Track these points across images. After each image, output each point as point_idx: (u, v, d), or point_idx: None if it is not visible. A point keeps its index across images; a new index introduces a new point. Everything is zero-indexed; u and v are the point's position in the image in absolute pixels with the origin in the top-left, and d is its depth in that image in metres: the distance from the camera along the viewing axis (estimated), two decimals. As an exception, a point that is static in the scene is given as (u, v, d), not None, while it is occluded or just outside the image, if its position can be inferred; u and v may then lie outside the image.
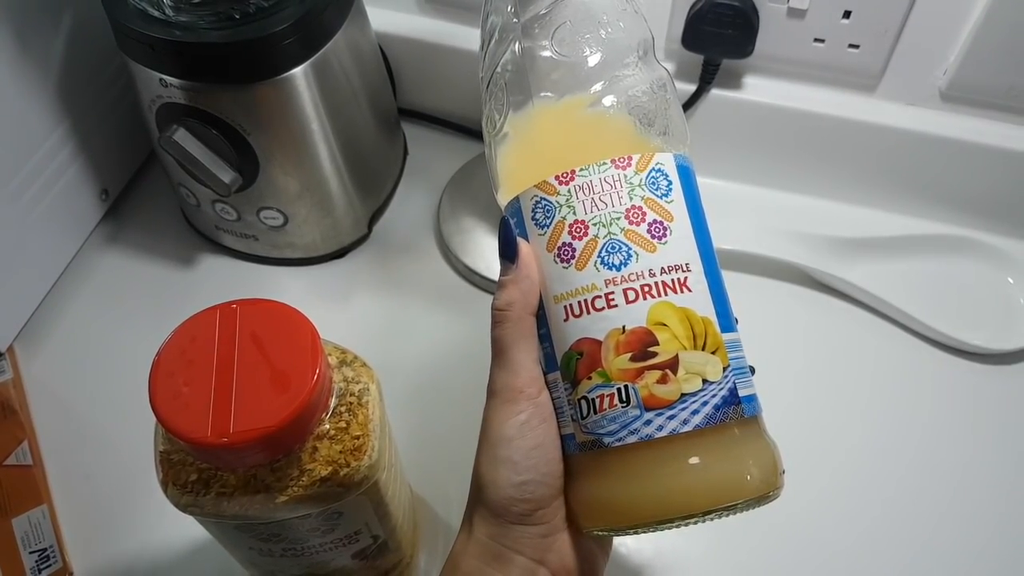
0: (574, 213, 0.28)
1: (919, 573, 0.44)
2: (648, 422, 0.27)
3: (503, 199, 0.32)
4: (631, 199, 0.28)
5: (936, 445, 0.48)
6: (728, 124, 0.58)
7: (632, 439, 0.27)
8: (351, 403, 0.31)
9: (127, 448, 0.48)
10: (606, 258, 0.28)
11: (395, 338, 0.53)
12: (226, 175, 0.48)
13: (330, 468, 0.30)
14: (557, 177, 0.28)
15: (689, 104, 0.58)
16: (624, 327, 0.27)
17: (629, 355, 0.27)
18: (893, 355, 0.52)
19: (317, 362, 0.28)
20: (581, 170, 0.28)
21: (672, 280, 0.27)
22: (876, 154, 0.56)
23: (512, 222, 0.30)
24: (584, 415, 0.28)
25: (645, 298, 0.27)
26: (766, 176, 0.60)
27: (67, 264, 0.55)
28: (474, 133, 0.64)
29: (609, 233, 0.28)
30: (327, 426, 0.30)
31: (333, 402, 0.31)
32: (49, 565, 0.44)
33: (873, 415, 0.49)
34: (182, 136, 0.47)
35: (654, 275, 0.27)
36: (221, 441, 0.27)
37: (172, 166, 0.52)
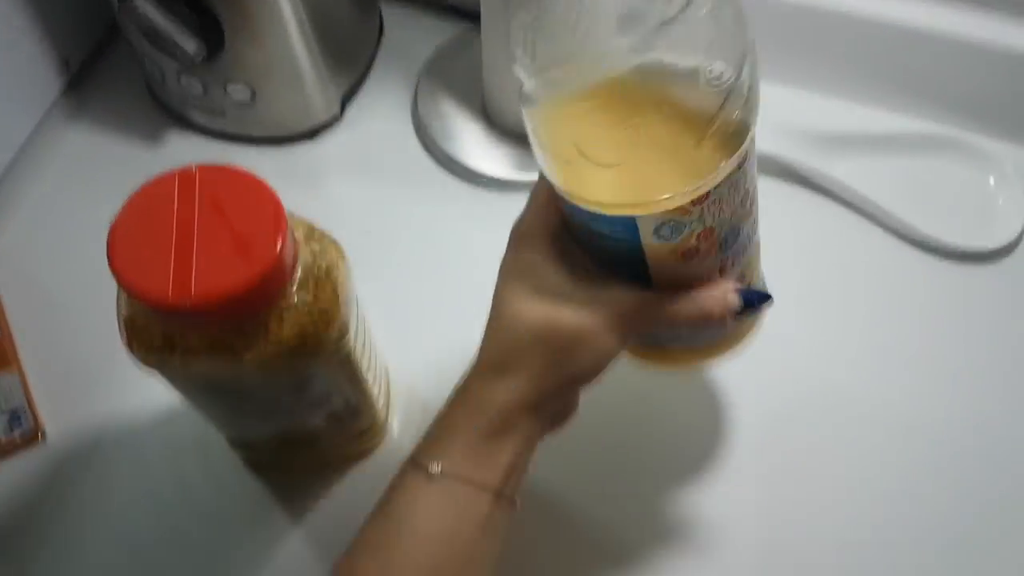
0: (703, 223, 0.29)
1: (894, 462, 0.45)
2: None
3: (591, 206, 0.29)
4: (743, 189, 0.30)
5: (912, 343, 0.49)
6: None
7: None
8: (318, 277, 0.31)
9: (96, 316, 0.48)
10: (724, 245, 0.31)
11: (367, 223, 0.52)
12: (189, 44, 0.46)
13: (297, 335, 0.30)
14: (693, 201, 0.28)
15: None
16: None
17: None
18: (870, 253, 0.52)
19: (280, 228, 0.28)
20: (716, 188, 0.28)
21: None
22: (861, 46, 0.54)
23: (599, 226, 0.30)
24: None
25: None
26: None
27: (27, 136, 0.54)
28: (455, 11, 0.61)
29: (730, 224, 0.30)
30: (294, 298, 0.30)
31: (299, 274, 0.31)
32: (20, 425, 0.45)
33: (849, 313, 0.50)
34: (142, 3, 0.45)
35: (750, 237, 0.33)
36: (182, 303, 0.27)
37: (136, 36, 0.50)
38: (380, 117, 0.58)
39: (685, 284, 0.32)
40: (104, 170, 0.55)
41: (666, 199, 0.28)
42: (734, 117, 0.27)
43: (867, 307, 0.50)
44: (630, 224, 0.29)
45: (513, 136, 0.55)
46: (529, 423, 0.31)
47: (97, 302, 0.49)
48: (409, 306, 0.50)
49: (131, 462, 0.45)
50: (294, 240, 0.30)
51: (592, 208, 0.29)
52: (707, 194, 0.28)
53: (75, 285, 0.50)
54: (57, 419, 0.46)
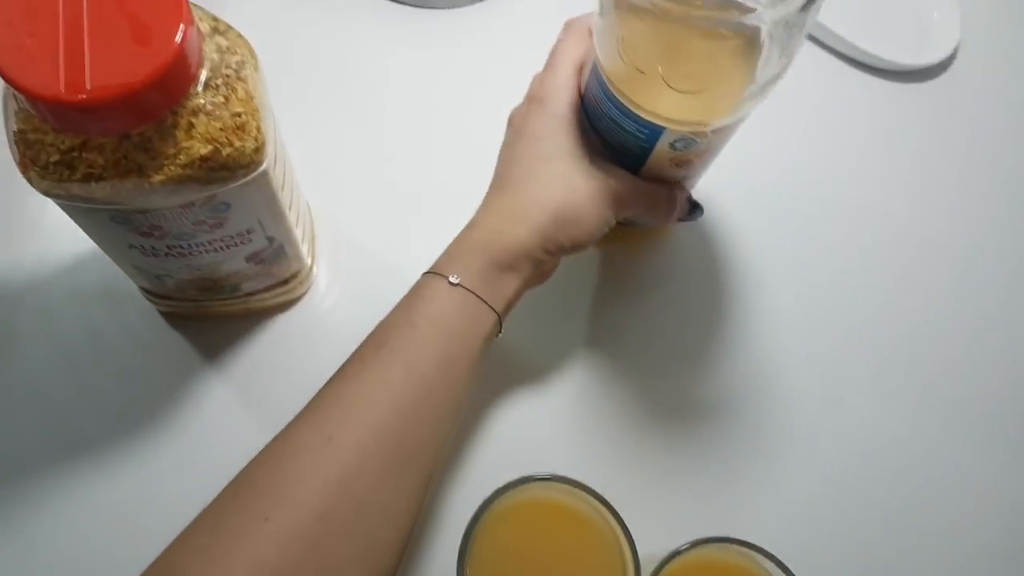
0: (708, 145, 0.34)
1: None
2: None
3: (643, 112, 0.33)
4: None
5: (853, 162, 0.49)
6: None
7: None
8: (227, 76, 0.27)
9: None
10: (705, 163, 0.37)
11: (279, 44, 0.47)
12: None
13: (210, 147, 0.27)
14: (715, 129, 0.33)
15: None
16: None
17: None
18: (814, 74, 0.51)
19: (183, 13, 0.24)
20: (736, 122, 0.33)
21: None
22: None
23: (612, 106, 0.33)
24: None
25: None
26: None
27: None
28: None
29: (718, 148, 0.36)
30: (202, 100, 0.27)
31: (205, 73, 0.27)
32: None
33: (793, 135, 0.49)
34: None
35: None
36: (77, 98, 0.23)
37: None
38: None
39: (659, 181, 0.37)
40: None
41: (705, 126, 0.32)
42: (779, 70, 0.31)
43: (812, 127, 0.50)
44: (657, 131, 0.33)
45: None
46: (528, 269, 0.34)
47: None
48: (328, 137, 0.46)
49: (36, 313, 0.41)
50: (198, 31, 0.26)
51: (634, 110, 0.32)
52: (729, 125, 0.33)
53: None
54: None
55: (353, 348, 0.32)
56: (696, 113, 0.32)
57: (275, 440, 0.30)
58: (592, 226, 0.34)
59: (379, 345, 0.32)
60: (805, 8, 0.28)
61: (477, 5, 0.50)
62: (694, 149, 0.35)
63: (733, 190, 0.47)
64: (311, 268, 0.42)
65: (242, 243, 0.34)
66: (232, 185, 0.29)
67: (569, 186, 0.34)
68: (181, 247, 0.32)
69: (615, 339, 0.44)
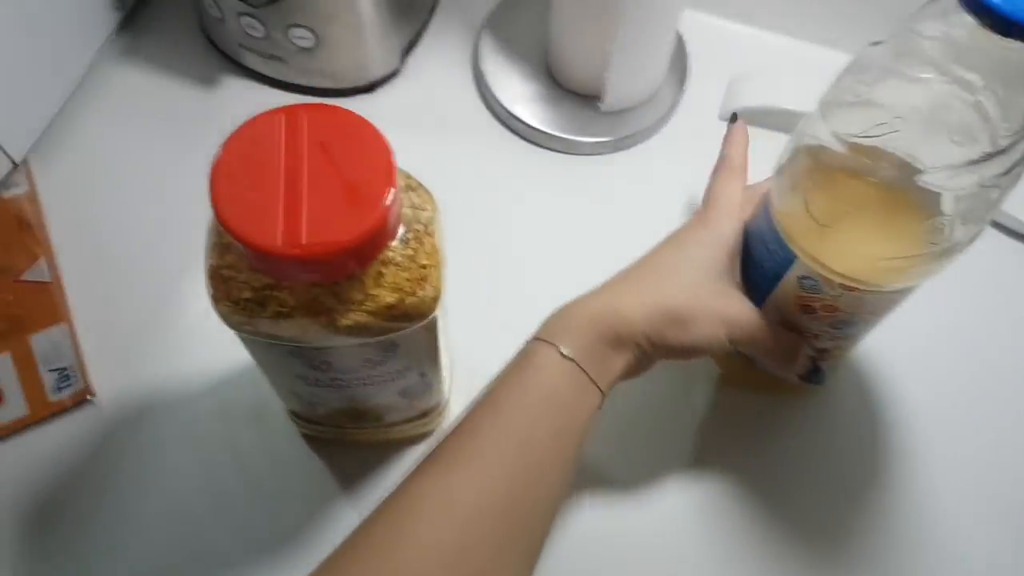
0: (834, 299, 0.35)
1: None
2: None
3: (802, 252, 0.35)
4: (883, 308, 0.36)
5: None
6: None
7: None
8: (418, 231, 0.29)
9: (148, 270, 0.47)
10: (834, 323, 0.37)
11: (426, 182, 0.50)
12: (256, -17, 0.43)
13: (396, 295, 0.28)
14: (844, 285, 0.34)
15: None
16: None
17: None
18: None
19: (392, 177, 0.26)
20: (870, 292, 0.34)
21: None
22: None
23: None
24: None
25: None
26: (845, 36, 0.54)
27: (81, 75, 0.51)
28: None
29: (850, 315, 0.36)
30: (393, 253, 0.28)
31: (401, 229, 0.28)
32: (69, 384, 0.43)
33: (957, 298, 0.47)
34: (209, -65, 0.41)
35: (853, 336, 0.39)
36: (293, 252, 0.25)
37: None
38: (439, 71, 0.55)
39: (784, 324, 0.37)
40: (157, 112, 0.52)
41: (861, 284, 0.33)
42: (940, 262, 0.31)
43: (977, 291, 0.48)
44: (790, 256, 0.35)
45: (575, 95, 0.52)
46: (633, 354, 0.34)
47: (149, 253, 0.47)
48: (467, 274, 0.47)
49: (183, 427, 0.43)
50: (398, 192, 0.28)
51: (785, 239, 0.35)
52: (857, 289, 0.34)
53: (126, 235, 0.48)
54: (107, 379, 0.44)
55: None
56: (860, 272, 0.32)
57: (395, 495, 0.30)
58: (700, 337, 0.35)
59: (494, 410, 0.32)
60: (991, 184, 0.28)
61: (620, 152, 0.52)
62: (818, 295, 0.35)
63: (892, 344, 0.45)
64: (448, 401, 0.43)
65: (398, 379, 0.35)
66: (407, 331, 0.30)
67: (694, 292, 0.35)
68: (343, 380, 0.33)
69: (732, 472, 0.42)
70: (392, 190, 0.26)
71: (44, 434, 0.43)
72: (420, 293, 0.29)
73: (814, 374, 0.40)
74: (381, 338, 0.30)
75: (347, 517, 0.41)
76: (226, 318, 0.29)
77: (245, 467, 0.42)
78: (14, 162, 0.48)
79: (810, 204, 0.32)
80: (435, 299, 0.29)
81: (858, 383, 0.45)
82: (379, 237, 0.26)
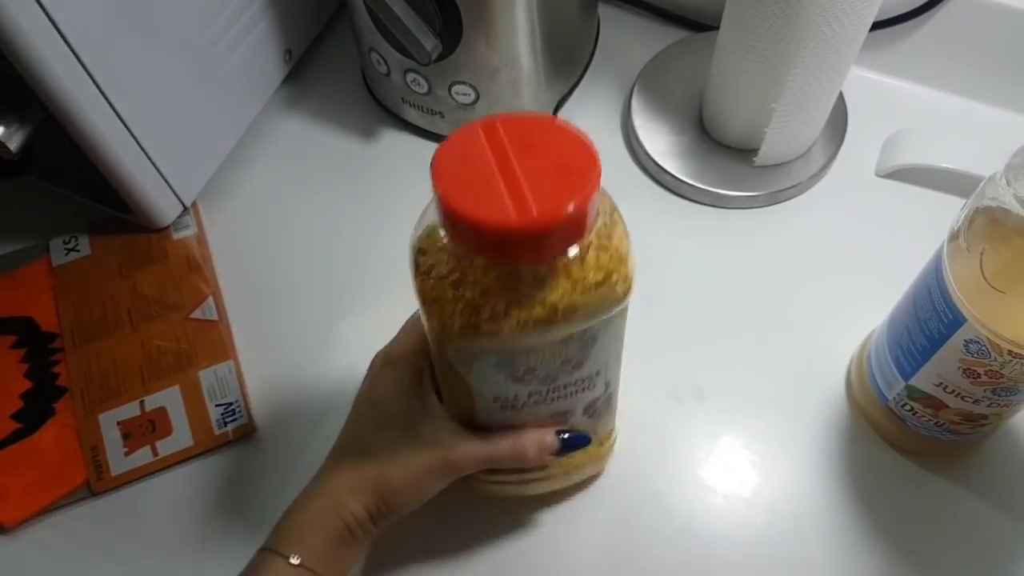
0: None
1: None
2: None
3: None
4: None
5: None
6: (973, 32, 0.51)
7: None
8: (606, 222, 0.30)
9: (309, 310, 0.48)
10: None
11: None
12: (428, 41, 0.45)
13: (601, 274, 0.29)
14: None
15: (932, 4, 0.51)
16: None
17: None
18: None
19: (595, 154, 0.27)
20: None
21: None
22: None
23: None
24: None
25: None
26: (1009, 95, 0.53)
27: (248, 124, 0.54)
28: (673, 17, 0.58)
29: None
30: (593, 236, 0.29)
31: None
32: (235, 419, 0.45)
33: None
34: (389, -5, 0.44)
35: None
36: (528, 222, 0.26)
37: (364, 29, 0.49)
38: (589, 123, 0.55)
39: (946, 387, 0.37)
40: (318, 160, 0.54)
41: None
42: None
43: None
44: (959, 319, 0.34)
45: (728, 148, 0.52)
46: (366, 539, 0.35)
47: (310, 293, 0.49)
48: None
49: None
50: None
51: (955, 303, 0.34)
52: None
53: (289, 276, 0.50)
54: (268, 413, 0.45)
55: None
56: None
57: None
58: (414, 497, 0.35)
59: None
60: None
61: (773, 207, 0.51)
62: (987, 360, 0.33)
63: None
64: (616, 432, 0.42)
65: (588, 388, 0.35)
66: (611, 314, 0.30)
67: (395, 458, 0.35)
68: (540, 394, 0.34)
69: (878, 536, 0.41)
70: (598, 164, 0.27)
71: (208, 465, 0.44)
72: (623, 270, 0.29)
73: (569, 445, 0.37)
74: (586, 326, 0.30)
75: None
76: (446, 340, 0.30)
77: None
78: (184, 205, 0.51)
79: (986, 268, 0.32)
80: (630, 280, 0.30)
81: (1012, 449, 0.43)
82: (592, 209, 0.27)
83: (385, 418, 0.35)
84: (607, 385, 0.36)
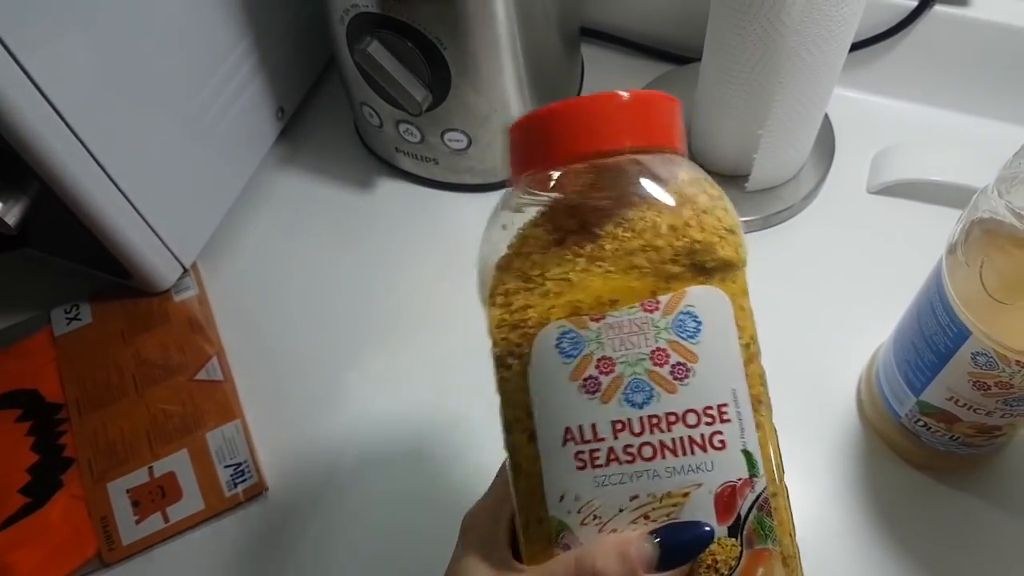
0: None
1: None
2: None
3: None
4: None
5: None
6: (950, 47, 0.52)
7: None
8: (700, 196, 0.26)
9: (314, 365, 0.48)
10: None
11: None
12: (418, 92, 0.46)
13: (701, 228, 0.25)
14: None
15: (908, 22, 0.52)
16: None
17: None
18: None
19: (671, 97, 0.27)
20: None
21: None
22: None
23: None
24: None
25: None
26: (991, 106, 0.53)
27: (244, 183, 0.54)
28: (654, 52, 0.59)
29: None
30: (691, 189, 0.25)
31: (687, 173, 0.26)
32: (245, 479, 0.44)
33: None
34: (376, 49, 0.45)
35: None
36: (619, 99, 0.25)
37: (355, 84, 0.50)
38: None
39: (955, 401, 0.36)
40: (315, 214, 0.55)
41: None
42: None
43: None
44: (964, 333, 0.34)
45: (720, 176, 0.52)
46: None
47: (314, 348, 0.49)
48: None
49: (352, 517, 0.43)
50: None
51: (959, 317, 0.34)
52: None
53: (292, 331, 0.50)
54: (278, 471, 0.45)
55: None
56: None
57: None
58: None
59: None
60: None
61: (766, 231, 0.52)
62: (995, 372, 0.33)
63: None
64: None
65: (709, 446, 0.24)
66: (709, 284, 0.25)
67: None
68: (630, 426, 0.24)
69: (894, 549, 0.40)
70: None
71: (220, 528, 0.43)
72: (731, 238, 0.25)
73: (670, 545, 0.24)
74: (687, 305, 0.24)
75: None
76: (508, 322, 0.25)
77: (413, 555, 0.41)
78: (184, 267, 0.51)
79: (986, 280, 0.32)
80: (740, 248, 0.25)
81: None
82: (675, 126, 0.26)
83: None
84: (749, 456, 0.24)
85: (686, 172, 0.26)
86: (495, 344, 0.26)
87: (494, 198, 0.53)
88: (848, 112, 0.55)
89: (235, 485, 0.44)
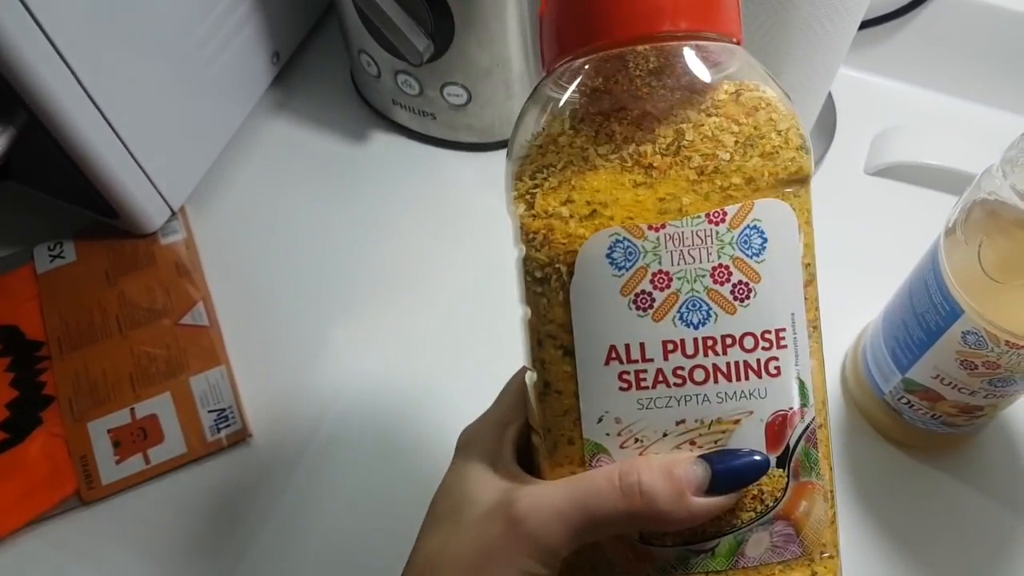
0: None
1: None
2: None
3: None
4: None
5: None
6: (958, 31, 0.52)
7: None
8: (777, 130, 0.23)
9: (301, 313, 0.48)
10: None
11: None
12: (420, 41, 0.45)
13: (755, 124, 0.22)
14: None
15: (917, 3, 0.51)
16: None
17: None
18: None
19: None
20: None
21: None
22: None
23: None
24: None
25: None
26: (993, 94, 0.53)
27: (236, 129, 0.53)
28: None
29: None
30: (756, 96, 0.23)
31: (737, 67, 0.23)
32: (228, 425, 0.44)
33: None
34: (381, -4, 0.43)
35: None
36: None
37: (354, 30, 0.49)
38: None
39: (941, 379, 0.37)
40: (307, 163, 0.54)
41: None
42: None
43: None
44: (956, 311, 0.34)
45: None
46: None
47: (301, 297, 0.48)
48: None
49: (337, 466, 0.43)
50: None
51: (953, 295, 0.35)
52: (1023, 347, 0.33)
53: (279, 280, 0.49)
54: (263, 418, 0.45)
55: None
56: None
57: None
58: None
59: None
60: None
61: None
62: (983, 351, 0.34)
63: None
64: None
65: (766, 371, 0.22)
66: (777, 198, 0.22)
67: (444, 557, 0.24)
68: (682, 348, 0.22)
69: (872, 528, 0.40)
70: None
71: (201, 472, 0.43)
72: (800, 146, 0.23)
73: (725, 470, 0.22)
74: (755, 219, 0.22)
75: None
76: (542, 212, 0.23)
77: (399, 503, 0.41)
78: (172, 210, 0.50)
79: (984, 260, 0.32)
80: (810, 160, 0.23)
81: (1006, 440, 0.43)
82: (739, 13, 0.23)
83: (436, 517, 0.25)
84: (803, 391, 0.23)
85: (744, 63, 0.23)
86: (530, 251, 0.23)
87: (491, 159, 0.53)
88: (851, 92, 0.54)
89: (218, 430, 0.44)
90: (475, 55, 0.47)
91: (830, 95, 0.53)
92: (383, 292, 0.49)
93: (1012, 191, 0.31)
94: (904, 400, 0.40)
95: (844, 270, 0.48)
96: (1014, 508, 0.41)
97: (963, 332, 0.34)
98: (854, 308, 0.45)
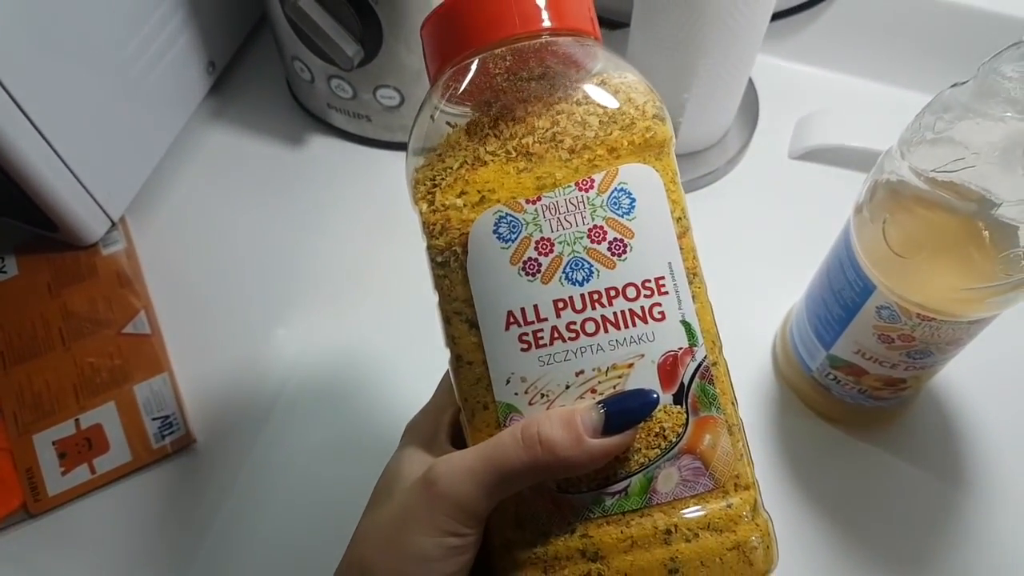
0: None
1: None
2: None
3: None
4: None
5: None
6: (867, 17, 0.54)
7: None
8: (633, 105, 0.26)
9: (242, 320, 0.48)
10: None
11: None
12: (349, 47, 0.46)
13: (618, 99, 0.25)
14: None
15: (831, -8, 0.54)
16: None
17: None
18: None
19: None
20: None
21: None
22: None
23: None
24: None
25: None
26: (903, 75, 0.56)
27: (174, 137, 0.54)
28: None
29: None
30: (608, 76, 0.26)
31: (601, 64, 0.26)
32: (172, 431, 0.44)
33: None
34: (307, 2, 0.44)
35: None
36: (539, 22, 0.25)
37: (286, 38, 0.50)
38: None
39: (862, 354, 0.38)
40: (246, 169, 0.55)
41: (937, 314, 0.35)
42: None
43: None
44: (869, 287, 0.36)
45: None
46: None
47: (243, 303, 0.49)
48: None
49: (280, 469, 0.44)
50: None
51: (865, 272, 0.36)
52: (933, 319, 0.35)
53: (221, 287, 0.50)
54: (207, 425, 0.45)
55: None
56: (936, 302, 0.33)
57: None
58: (436, 532, 0.23)
59: None
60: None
61: (690, 194, 0.53)
62: (898, 325, 0.35)
63: (968, 373, 0.45)
64: (757, 491, 0.26)
65: (650, 317, 0.24)
66: (639, 162, 0.25)
67: (375, 526, 0.26)
68: (572, 304, 0.24)
69: (804, 503, 0.42)
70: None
71: (148, 479, 0.44)
72: (652, 114, 0.26)
73: (618, 411, 0.24)
74: (621, 183, 0.24)
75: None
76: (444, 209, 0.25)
77: (343, 502, 0.42)
78: (112, 220, 0.51)
79: (889, 236, 0.34)
80: (666, 125, 0.26)
81: (934, 413, 0.45)
82: (593, 14, 0.27)
83: (373, 498, 0.27)
84: (690, 332, 0.25)
85: (605, 58, 0.27)
86: (430, 240, 0.26)
87: (428, 157, 0.54)
88: (773, 79, 0.56)
89: (163, 437, 0.44)
90: (405, 58, 0.48)
91: (752, 84, 0.55)
92: (324, 291, 0.50)
93: (910, 171, 0.32)
94: (831, 376, 0.42)
95: (771, 252, 0.50)
96: (942, 478, 0.43)
97: (877, 307, 0.36)
98: (782, 289, 0.47)
